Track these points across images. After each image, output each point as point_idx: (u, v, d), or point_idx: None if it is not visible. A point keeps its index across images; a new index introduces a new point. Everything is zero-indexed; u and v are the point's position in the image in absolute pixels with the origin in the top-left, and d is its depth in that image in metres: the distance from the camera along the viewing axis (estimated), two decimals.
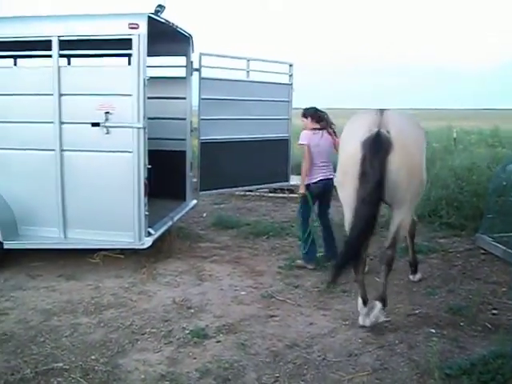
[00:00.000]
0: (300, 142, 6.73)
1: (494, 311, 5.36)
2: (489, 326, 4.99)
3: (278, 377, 4.14)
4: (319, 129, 6.71)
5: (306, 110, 6.90)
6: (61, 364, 4.31)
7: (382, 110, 5.01)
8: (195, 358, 4.43)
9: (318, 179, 6.69)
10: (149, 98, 6.27)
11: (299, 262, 6.84)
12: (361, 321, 5.07)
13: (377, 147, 4.65)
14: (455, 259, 7.03)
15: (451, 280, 6.25)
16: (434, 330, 4.90)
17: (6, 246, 6.35)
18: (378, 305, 5.00)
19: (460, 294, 5.80)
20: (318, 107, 6.90)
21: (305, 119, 6.87)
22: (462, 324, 5.03)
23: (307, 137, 6.67)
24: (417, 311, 5.35)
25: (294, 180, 10.29)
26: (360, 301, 5.15)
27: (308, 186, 6.71)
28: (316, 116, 6.79)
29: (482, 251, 7.24)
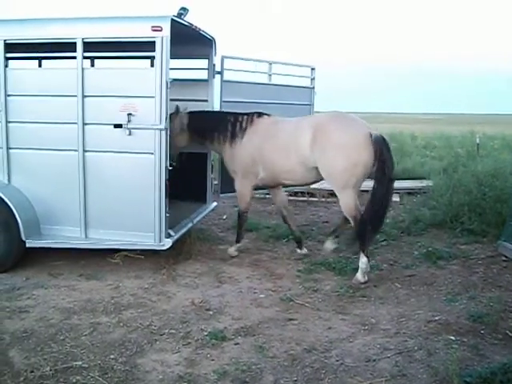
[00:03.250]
0: None
1: None
2: (510, 334, 4.91)
3: (295, 380, 4.14)
4: None
5: None
6: (80, 362, 4.35)
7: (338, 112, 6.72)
8: (213, 360, 4.45)
9: None
10: (171, 100, 6.32)
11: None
12: (362, 278, 6.24)
13: (386, 143, 6.26)
14: (476, 266, 6.94)
15: (472, 287, 6.17)
16: (453, 337, 4.84)
17: (28, 245, 6.41)
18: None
19: (481, 302, 5.71)
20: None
21: None
22: (482, 332, 4.96)
23: None
24: (437, 318, 5.29)
25: (315, 184, 10.26)
26: (366, 259, 6.29)
27: None
28: None
29: (504, 258, 7.13)
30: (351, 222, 6.41)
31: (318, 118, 6.69)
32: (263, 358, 4.49)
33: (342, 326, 5.13)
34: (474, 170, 9.77)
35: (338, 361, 4.44)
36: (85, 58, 6.41)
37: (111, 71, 6.73)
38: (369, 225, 6.25)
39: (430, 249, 7.45)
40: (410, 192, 11.91)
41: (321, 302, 5.74)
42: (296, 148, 6.52)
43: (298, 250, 7.43)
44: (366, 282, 6.22)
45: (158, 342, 4.75)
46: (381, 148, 6.09)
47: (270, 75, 8.91)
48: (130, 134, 6.18)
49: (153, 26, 6.03)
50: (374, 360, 4.45)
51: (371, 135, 6.12)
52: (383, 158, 6.08)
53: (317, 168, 6.46)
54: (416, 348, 4.65)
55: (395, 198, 11.56)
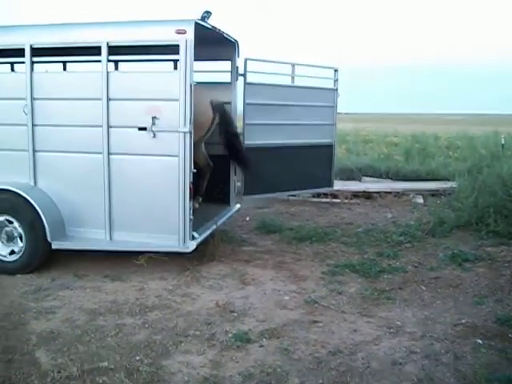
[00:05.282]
0: None
1: None
2: None
3: (321, 383, 4.12)
4: None
5: None
6: (106, 363, 4.37)
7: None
8: (238, 362, 4.45)
9: None
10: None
11: None
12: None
13: (225, 107, 7.74)
14: (503, 268, 6.86)
15: (499, 289, 6.10)
16: (481, 341, 4.78)
17: (54, 247, 6.48)
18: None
19: (508, 305, 5.65)
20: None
21: None
22: (510, 335, 4.90)
23: None
24: (463, 321, 5.24)
25: (338, 185, 10.24)
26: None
27: None
28: None
29: None
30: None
31: None
32: (288, 360, 4.47)
33: (367, 329, 5.10)
34: (499, 172, 9.66)
35: (363, 364, 4.41)
36: (109, 61, 6.46)
37: (135, 74, 6.76)
38: (240, 164, 7.98)
39: (455, 251, 7.38)
40: (434, 193, 11.81)
41: (345, 305, 5.71)
42: None
43: None
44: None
45: (183, 344, 4.76)
46: (222, 111, 7.53)
47: (293, 77, 8.88)
48: (154, 136, 6.21)
49: (177, 30, 6.06)
50: (401, 363, 4.41)
51: (212, 102, 7.38)
52: (225, 120, 7.59)
53: None
54: (443, 351, 4.60)
55: (419, 200, 11.49)
